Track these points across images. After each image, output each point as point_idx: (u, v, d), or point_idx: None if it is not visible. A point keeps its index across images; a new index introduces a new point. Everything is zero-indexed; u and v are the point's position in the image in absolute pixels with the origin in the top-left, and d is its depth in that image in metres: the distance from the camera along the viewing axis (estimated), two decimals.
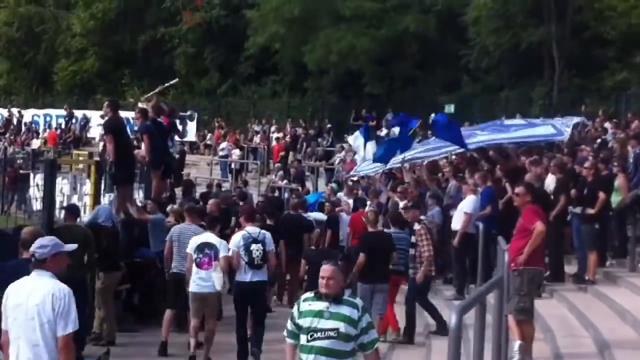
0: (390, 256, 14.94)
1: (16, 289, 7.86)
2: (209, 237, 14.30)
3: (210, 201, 19.13)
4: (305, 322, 8.22)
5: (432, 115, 25.67)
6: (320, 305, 8.22)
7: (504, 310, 10.47)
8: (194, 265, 14.06)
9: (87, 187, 20.81)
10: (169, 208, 18.03)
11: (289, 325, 8.41)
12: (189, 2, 52.59)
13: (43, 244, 7.94)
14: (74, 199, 20.94)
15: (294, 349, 8.42)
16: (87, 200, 19.91)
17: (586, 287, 15.73)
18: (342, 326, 8.11)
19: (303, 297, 8.48)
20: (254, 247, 14.05)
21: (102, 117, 23.56)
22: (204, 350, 14.12)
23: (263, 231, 14.55)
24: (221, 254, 14.03)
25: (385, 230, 16.10)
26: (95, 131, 43.84)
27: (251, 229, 14.40)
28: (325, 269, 8.24)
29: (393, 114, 37.22)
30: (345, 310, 8.18)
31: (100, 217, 15.87)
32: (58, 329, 7.67)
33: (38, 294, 7.68)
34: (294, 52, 46.55)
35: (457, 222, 17.82)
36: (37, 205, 18.68)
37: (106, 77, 55.16)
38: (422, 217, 16.01)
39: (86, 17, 55.21)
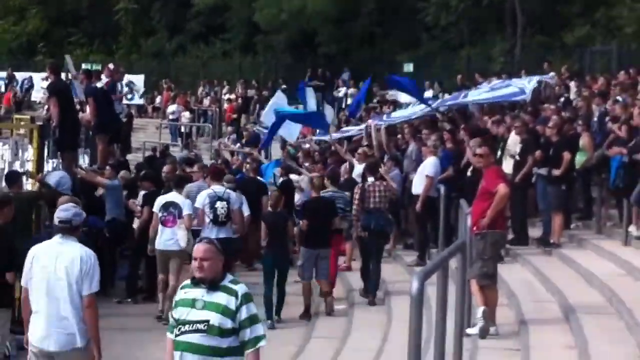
0: (332, 222, 15.50)
1: (42, 252, 8.70)
2: (174, 196, 15.29)
3: (166, 166, 19.07)
4: (177, 314, 7.25)
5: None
6: (196, 292, 7.21)
7: (466, 276, 10.57)
8: (159, 223, 14.97)
9: (30, 153, 20.57)
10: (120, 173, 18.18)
11: (170, 317, 7.47)
12: None
13: (77, 212, 8.84)
14: (16, 166, 20.64)
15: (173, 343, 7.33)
16: (30, 166, 19.72)
17: (551, 251, 15.86)
18: (214, 317, 7.06)
19: (183, 283, 7.48)
20: (218, 204, 15.19)
21: (44, 79, 23.42)
22: (167, 306, 14.55)
23: (228, 190, 15.65)
24: (185, 212, 14.94)
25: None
26: (38, 95, 43.47)
27: (217, 188, 15.56)
28: (199, 249, 7.24)
29: (350, 73, 37.24)
30: (221, 298, 7.14)
31: (63, 185, 15.98)
32: (83, 288, 8.51)
33: (67, 257, 8.51)
34: (244, 10, 46.38)
35: (418, 185, 17.69)
36: None
37: (50, 38, 54.43)
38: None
39: None
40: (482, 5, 40.65)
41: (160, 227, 15.07)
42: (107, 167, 18.31)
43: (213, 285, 7.14)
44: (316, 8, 43.30)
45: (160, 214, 15.09)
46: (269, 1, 44.35)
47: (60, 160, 18.80)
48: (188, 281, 7.36)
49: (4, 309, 10.47)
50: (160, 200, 15.31)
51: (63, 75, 22.06)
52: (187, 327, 7.09)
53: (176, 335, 7.17)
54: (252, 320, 7.16)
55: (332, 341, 13.58)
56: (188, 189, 16.24)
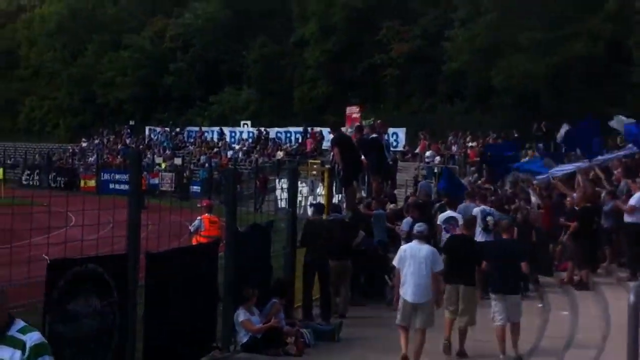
0: None
1: (411, 249, 11.69)
2: (451, 213, 17.27)
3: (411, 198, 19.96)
4: None
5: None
6: None
7: None
8: (444, 231, 16.76)
9: (320, 189, 21.07)
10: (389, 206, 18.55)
11: None
12: (396, 34, 52.70)
13: (426, 227, 12.16)
14: (310, 199, 21.19)
15: None
16: (321, 200, 20.12)
17: None
18: None
19: None
20: (488, 218, 16.84)
21: (329, 133, 24.29)
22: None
23: (492, 208, 17.39)
24: (459, 223, 16.05)
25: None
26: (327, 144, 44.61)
27: (486, 207, 17.40)
28: None
29: (568, 125, 35.95)
30: (5, 352, 4.83)
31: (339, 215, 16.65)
32: (435, 268, 11.50)
33: (424, 251, 11.56)
34: (480, 76, 45.94)
35: (628, 215, 16.89)
36: (281, 204, 19.01)
37: (333, 100, 55.90)
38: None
39: (317, 52, 56.17)
40: None
41: (444, 233, 16.62)
42: (373, 201, 18.64)
43: None
44: (539, 71, 42.33)
45: (443, 225, 16.94)
46: (502, 69, 43.71)
47: (344, 195, 19.12)
48: None
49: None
50: (443, 215, 17.31)
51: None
52: None
53: None
54: None
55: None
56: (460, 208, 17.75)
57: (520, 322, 12.35)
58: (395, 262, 11.80)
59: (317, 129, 47.81)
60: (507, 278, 12.19)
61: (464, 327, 12.44)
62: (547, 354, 12.11)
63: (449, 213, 17.26)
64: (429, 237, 13.12)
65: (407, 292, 11.53)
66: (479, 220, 16.05)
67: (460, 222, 16.16)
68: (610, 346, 11.29)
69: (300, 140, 49.22)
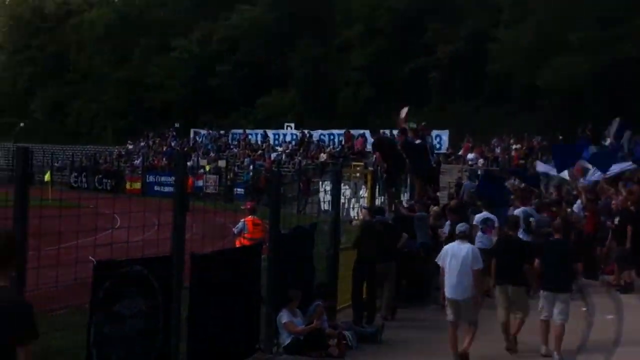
0: None
1: (452, 248, 12.24)
2: (488, 214, 17.53)
3: (453, 200, 20.58)
4: None
5: None
6: None
7: None
8: (480, 231, 17.03)
9: (364, 191, 21.11)
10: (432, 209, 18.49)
11: None
12: (441, 36, 52.52)
13: (467, 227, 12.99)
14: (353, 202, 21.23)
15: None
16: (364, 202, 20.13)
17: None
18: None
19: None
20: (530, 219, 17.50)
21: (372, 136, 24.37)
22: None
23: (533, 209, 18.08)
24: (496, 224, 17.04)
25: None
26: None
27: (527, 208, 18.17)
28: None
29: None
30: None
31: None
32: (474, 265, 11.93)
33: (464, 250, 12.09)
34: (526, 77, 45.57)
35: None
36: (324, 206, 19.06)
37: (377, 103, 55.81)
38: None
39: (362, 55, 56.07)
40: None
41: (480, 233, 16.92)
42: (416, 203, 18.66)
43: None
44: (587, 71, 41.84)
45: (480, 226, 17.19)
46: (548, 70, 43.32)
47: (387, 197, 19.13)
48: None
49: None
50: (480, 216, 17.53)
51: None
52: None
53: None
54: None
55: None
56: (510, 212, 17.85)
57: (565, 325, 12.31)
58: (438, 261, 12.42)
59: (360, 131, 47.78)
60: (559, 277, 12.42)
61: (520, 321, 12.78)
62: (593, 353, 12.02)
63: (485, 214, 17.50)
64: (471, 236, 13.56)
65: (448, 289, 12.10)
66: (520, 221, 15.92)
67: (497, 224, 16.74)
68: None
69: (343, 142, 49.20)
